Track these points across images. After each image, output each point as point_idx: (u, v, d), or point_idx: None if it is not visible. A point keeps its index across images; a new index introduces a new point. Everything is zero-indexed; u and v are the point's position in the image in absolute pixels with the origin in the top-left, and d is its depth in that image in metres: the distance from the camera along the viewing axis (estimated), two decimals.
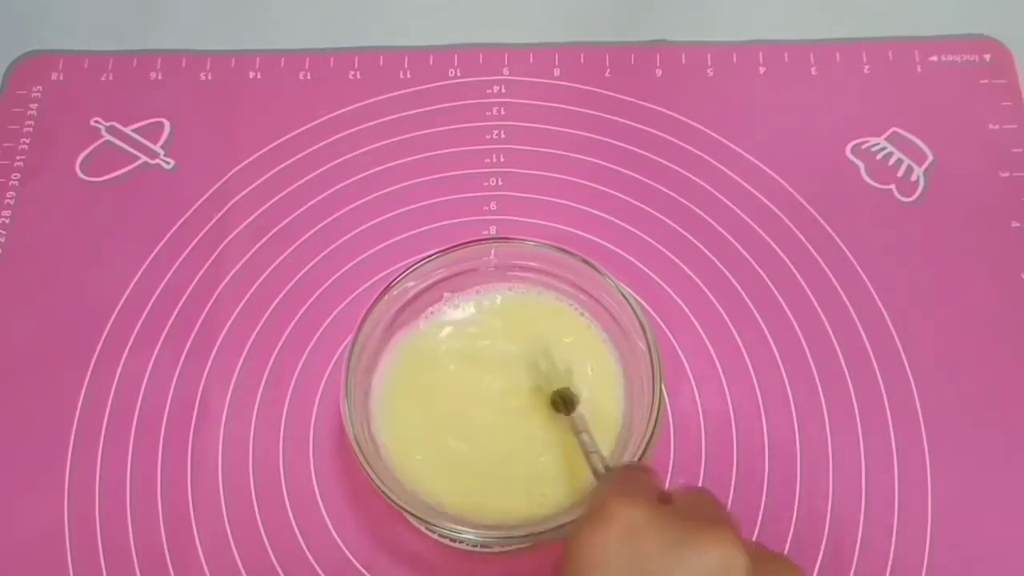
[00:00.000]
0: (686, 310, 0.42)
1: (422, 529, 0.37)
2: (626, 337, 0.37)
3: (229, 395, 0.41)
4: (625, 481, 0.30)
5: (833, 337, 0.41)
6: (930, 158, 0.46)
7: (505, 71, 0.48)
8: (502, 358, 0.38)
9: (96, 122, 0.47)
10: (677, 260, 0.43)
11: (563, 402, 0.35)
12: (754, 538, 0.38)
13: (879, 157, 0.46)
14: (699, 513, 0.28)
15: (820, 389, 0.40)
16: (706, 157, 0.46)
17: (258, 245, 0.44)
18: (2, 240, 0.44)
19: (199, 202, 0.45)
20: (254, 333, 0.42)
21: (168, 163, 0.46)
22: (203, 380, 0.41)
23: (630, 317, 0.35)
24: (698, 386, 0.40)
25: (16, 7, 0.51)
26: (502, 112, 0.47)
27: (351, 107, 0.47)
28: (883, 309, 0.42)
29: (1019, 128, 0.46)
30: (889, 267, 0.43)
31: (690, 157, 0.46)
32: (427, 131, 0.46)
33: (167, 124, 0.47)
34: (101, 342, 0.42)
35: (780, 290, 0.42)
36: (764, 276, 0.43)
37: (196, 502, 0.39)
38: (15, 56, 0.49)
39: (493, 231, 0.44)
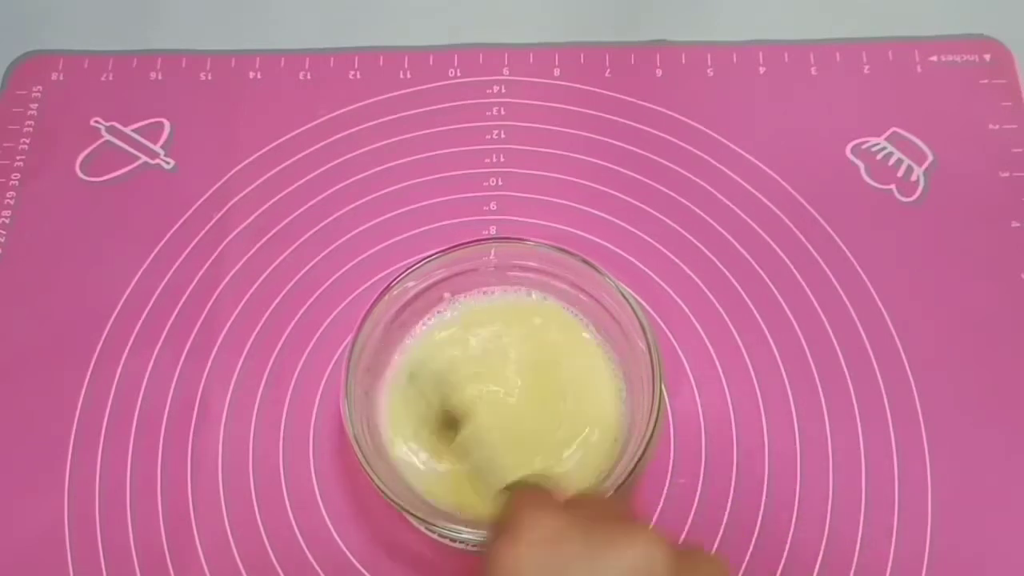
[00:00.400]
0: (686, 310, 0.42)
1: (422, 529, 0.37)
2: (626, 337, 0.37)
3: (229, 395, 0.41)
4: (529, 494, 0.29)
5: (833, 337, 0.41)
6: (930, 158, 0.46)
7: (505, 71, 0.48)
8: (502, 359, 0.38)
9: (96, 122, 0.47)
10: (677, 260, 0.43)
11: (447, 425, 0.34)
12: (754, 538, 0.38)
13: (879, 157, 0.46)
14: (609, 514, 0.28)
15: (820, 389, 0.40)
16: (706, 157, 0.46)
17: (258, 245, 0.44)
18: (2, 240, 0.44)
19: (199, 202, 0.45)
20: (254, 333, 0.42)
21: (168, 163, 0.46)
22: (203, 380, 0.41)
23: (630, 317, 0.35)
24: (698, 386, 0.40)
25: (16, 7, 0.51)
26: (502, 112, 0.47)
27: (351, 107, 0.47)
28: (883, 309, 0.42)
29: (1019, 128, 0.46)
30: (889, 267, 0.43)
31: (690, 157, 0.46)
32: (427, 131, 0.46)
33: (167, 124, 0.47)
34: (101, 342, 0.42)
35: (780, 290, 0.42)
36: (764, 276, 0.43)
37: (196, 502, 0.39)
38: (15, 56, 0.49)
39: (493, 231, 0.44)
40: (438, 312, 0.39)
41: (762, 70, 0.48)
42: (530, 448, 0.36)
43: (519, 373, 0.37)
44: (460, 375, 0.37)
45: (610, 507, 0.29)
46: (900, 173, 0.45)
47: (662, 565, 0.25)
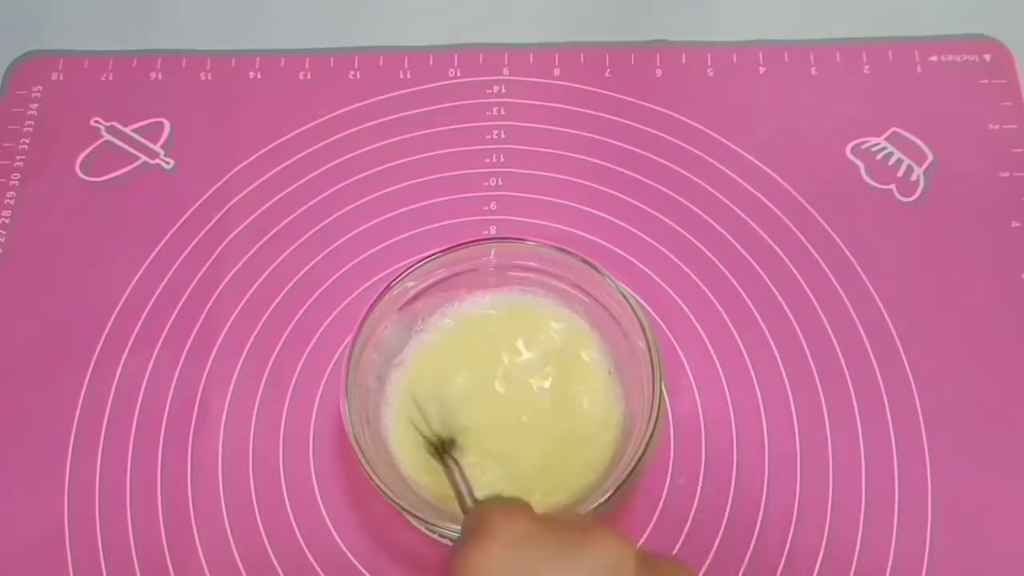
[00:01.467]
0: (686, 310, 0.42)
1: (422, 529, 0.37)
2: (626, 337, 0.37)
3: (229, 395, 0.41)
4: (500, 502, 0.30)
5: (833, 337, 0.41)
6: (930, 158, 0.46)
7: (505, 71, 0.48)
8: (502, 360, 0.38)
9: (96, 122, 0.47)
10: (677, 260, 0.43)
11: (439, 450, 0.34)
12: (754, 538, 0.38)
13: (879, 157, 0.46)
14: (577, 522, 0.28)
15: (820, 389, 0.40)
16: (706, 157, 0.46)
17: (258, 245, 0.44)
18: (2, 240, 0.44)
19: (199, 202, 0.45)
20: (254, 333, 0.42)
21: (168, 163, 0.46)
22: (203, 380, 0.41)
23: (630, 317, 0.35)
24: (698, 386, 0.40)
25: (16, 7, 0.51)
26: (502, 112, 0.47)
27: (351, 107, 0.47)
28: (883, 309, 0.42)
29: (1019, 128, 0.46)
30: (889, 267, 0.43)
31: (690, 157, 0.46)
32: (427, 131, 0.46)
33: (167, 124, 0.47)
34: (101, 342, 0.42)
35: (780, 290, 0.42)
36: (764, 276, 0.43)
37: (196, 502, 0.39)
38: (15, 56, 0.49)
39: (493, 231, 0.44)
40: (435, 318, 0.39)
41: (762, 70, 0.48)
42: (532, 448, 0.36)
43: (518, 374, 0.37)
44: (458, 397, 0.37)
45: (581, 517, 0.30)
46: (900, 173, 0.45)
47: (630, 566, 0.25)
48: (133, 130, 0.47)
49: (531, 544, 0.25)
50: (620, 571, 0.25)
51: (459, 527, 0.32)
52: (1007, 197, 0.44)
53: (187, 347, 0.42)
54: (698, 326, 0.42)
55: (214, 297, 0.43)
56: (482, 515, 0.27)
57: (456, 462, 0.33)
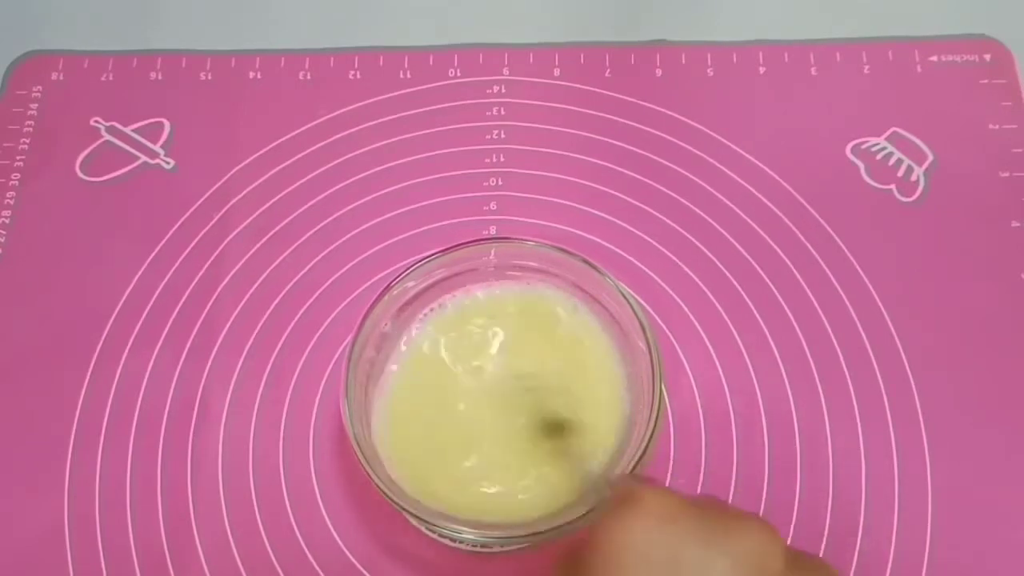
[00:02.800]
0: (686, 310, 0.42)
1: (422, 529, 0.37)
2: (626, 337, 0.36)
3: (229, 395, 0.41)
4: (650, 480, 0.30)
5: (833, 337, 0.41)
6: (930, 158, 0.46)
7: (505, 71, 0.48)
8: (499, 360, 0.38)
9: (96, 122, 0.47)
10: (677, 260, 0.43)
11: (555, 430, 0.35)
12: None
13: (879, 157, 0.46)
14: (727, 509, 0.28)
15: (820, 389, 0.40)
16: (706, 157, 0.46)
17: (258, 245, 0.44)
18: (2, 240, 0.44)
19: (199, 202, 0.45)
20: (254, 333, 0.42)
21: (168, 163, 0.46)
22: (203, 380, 0.41)
23: (630, 317, 0.35)
24: (698, 386, 0.40)
25: (16, 7, 0.51)
26: (502, 112, 0.47)
27: (351, 107, 0.47)
28: (883, 309, 0.42)
29: (1019, 128, 0.46)
30: (889, 267, 0.43)
31: (690, 157, 0.46)
32: (427, 131, 0.46)
33: (167, 124, 0.47)
34: (101, 342, 0.42)
35: (780, 290, 0.42)
36: (764, 276, 0.43)
37: (196, 502, 0.39)
38: (15, 56, 0.49)
39: (493, 231, 0.44)
40: (437, 314, 0.39)
41: (762, 70, 0.48)
42: (530, 451, 0.36)
43: (516, 375, 0.37)
44: (458, 399, 0.37)
45: (727, 506, 0.30)
46: (900, 173, 0.45)
47: (777, 560, 0.25)
48: (133, 130, 0.47)
49: (679, 523, 0.26)
50: (767, 562, 0.25)
51: (459, 527, 0.33)
52: (1007, 197, 0.44)
53: (187, 347, 0.42)
54: (698, 326, 0.42)
55: (214, 297, 0.43)
56: (632, 489, 0.27)
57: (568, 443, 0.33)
